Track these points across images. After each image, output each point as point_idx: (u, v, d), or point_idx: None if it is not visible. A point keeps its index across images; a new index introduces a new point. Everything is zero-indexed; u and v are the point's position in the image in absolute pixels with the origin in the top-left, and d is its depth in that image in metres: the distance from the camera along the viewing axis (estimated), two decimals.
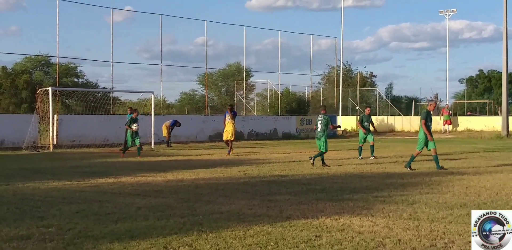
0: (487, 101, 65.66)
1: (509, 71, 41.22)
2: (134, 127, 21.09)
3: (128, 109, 26.20)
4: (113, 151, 24.14)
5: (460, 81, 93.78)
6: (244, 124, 36.12)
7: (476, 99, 73.90)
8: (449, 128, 43.94)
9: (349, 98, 50.25)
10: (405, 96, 73.28)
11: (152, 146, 27.64)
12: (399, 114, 49.48)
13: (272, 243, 6.80)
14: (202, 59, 42.75)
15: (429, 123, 15.86)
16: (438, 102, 62.94)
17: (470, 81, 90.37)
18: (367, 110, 21.56)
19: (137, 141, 21.20)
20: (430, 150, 15.77)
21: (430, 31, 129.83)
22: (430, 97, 69.03)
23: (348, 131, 46.16)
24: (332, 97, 49.06)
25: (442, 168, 15.54)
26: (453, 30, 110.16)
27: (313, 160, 16.70)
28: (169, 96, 72.37)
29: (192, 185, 12.44)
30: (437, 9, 52.54)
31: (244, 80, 45.45)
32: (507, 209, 9.11)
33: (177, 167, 16.78)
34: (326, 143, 17.14)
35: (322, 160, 16.95)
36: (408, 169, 15.48)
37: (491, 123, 43.52)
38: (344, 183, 12.61)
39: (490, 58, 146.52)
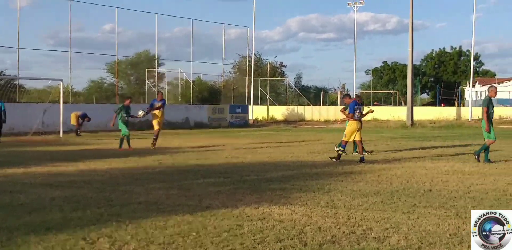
0: (392, 91, 67.88)
1: (413, 63, 42.67)
2: (140, 112, 19.76)
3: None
4: (46, 140, 23.18)
5: (366, 72, 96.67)
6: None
7: (381, 90, 76.20)
8: None
9: (259, 88, 50.62)
10: (313, 86, 74.77)
11: (61, 134, 26.86)
12: (308, 104, 50.36)
13: (194, 233, 6.75)
14: (110, 47, 41.97)
15: (492, 111, 14.73)
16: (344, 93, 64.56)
17: (375, 72, 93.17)
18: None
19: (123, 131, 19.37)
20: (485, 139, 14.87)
21: (337, 22, 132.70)
22: (341, 87, 70.65)
23: (259, 120, 46.54)
24: (243, 86, 49.28)
25: (489, 160, 14.62)
26: (359, 22, 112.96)
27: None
28: (76, 84, 70.42)
29: (106, 175, 12.18)
30: (346, 1, 53.46)
31: (156, 69, 44.88)
32: (419, 196, 9.45)
33: (88, 156, 16.39)
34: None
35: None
36: (487, 162, 14.49)
37: (397, 113, 45.07)
38: (261, 172, 12.69)
39: (394, 50, 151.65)
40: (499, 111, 44.81)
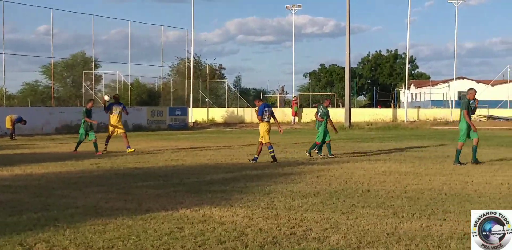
0: (330, 94, 68.71)
1: (350, 66, 43.35)
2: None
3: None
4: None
5: (304, 75, 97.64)
6: (94, 116, 35.02)
7: (319, 92, 77.08)
8: (295, 119, 45.50)
9: (199, 90, 50.48)
10: (253, 88, 74.95)
11: None
12: (248, 106, 50.46)
13: (134, 237, 6.67)
14: (45, 49, 40.91)
15: (470, 113, 15.08)
16: (284, 95, 65.04)
17: (314, 74, 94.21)
18: (327, 102, 18.89)
19: (92, 135, 18.94)
20: (472, 139, 15.10)
21: (275, 25, 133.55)
22: (280, 89, 71.08)
23: (199, 122, 46.39)
24: (182, 89, 49.02)
25: (477, 160, 14.97)
26: (297, 24, 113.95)
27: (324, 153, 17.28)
28: (10, 87, 68.52)
29: (43, 179, 11.90)
30: (284, 4, 53.88)
31: (93, 71, 44.18)
32: (357, 197, 9.61)
33: (24, 160, 15.98)
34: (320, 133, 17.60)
35: (320, 149, 17.58)
36: (458, 164, 14.63)
37: (335, 115, 45.30)
38: (201, 174, 12.65)
39: (332, 52, 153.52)
40: (433, 113, 46.06)
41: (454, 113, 44.44)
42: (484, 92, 50.50)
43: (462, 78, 65.21)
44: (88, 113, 19.08)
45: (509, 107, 45.87)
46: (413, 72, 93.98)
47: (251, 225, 7.32)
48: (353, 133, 33.21)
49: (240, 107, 51.28)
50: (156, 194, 9.89)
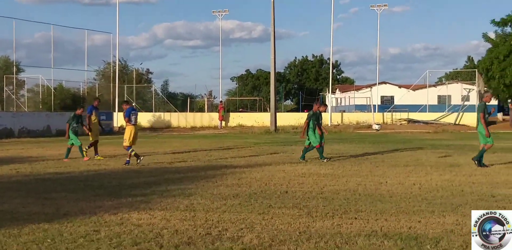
0: (256, 98, 69.28)
1: (276, 71, 43.93)
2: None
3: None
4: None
5: (232, 79, 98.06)
6: (14, 121, 34.33)
7: (246, 97, 77.59)
8: (221, 123, 45.71)
9: (125, 95, 49.97)
10: (180, 93, 74.76)
11: None
12: (175, 111, 50.34)
13: (49, 240, 6.70)
14: None
15: (487, 116, 15.03)
16: (212, 99, 65.15)
17: (241, 79, 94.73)
18: (318, 107, 17.80)
19: (71, 142, 18.07)
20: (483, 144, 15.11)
21: (203, 30, 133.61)
22: (208, 94, 71.17)
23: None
24: (108, 93, 48.41)
25: (484, 165, 14.80)
26: (225, 29, 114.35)
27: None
28: None
29: None
30: (211, 9, 54.03)
31: (14, 75, 43.11)
32: (275, 198, 9.87)
33: None
34: (310, 137, 17.30)
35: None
36: (480, 166, 14.63)
37: (261, 119, 46.12)
38: (122, 179, 12.65)
39: (260, 57, 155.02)
40: (356, 117, 47.17)
41: (376, 117, 45.68)
42: (405, 97, 52.16)
43: (385, 83, 67.11)
44: (77, 119, 18.44)
45: (429, 111, 47.45)
46: (338, 77, 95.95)
47: (168, 226, 7.45)
48: (278, 137, 33.64)
49: (167, 111, 51.07)
50: (75, 198, 9.87)
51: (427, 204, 9.22)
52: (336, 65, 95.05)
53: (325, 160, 16.60)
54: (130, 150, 16.11)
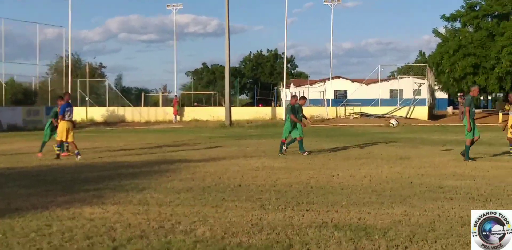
0: (212, 92, 69.16)
1: (231, 65, 43.97)
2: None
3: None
4: None
5: (187, 73, 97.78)
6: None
7: (201, 91, 77.43)
8: (176, 118, 45.54)
9: (78, 89, 49.32)
10: (135, 87, 74.21)
11: None
12: (129, 105, 49.91)
13: (0, 234, 6.65)
14: None
15: (473, 110, 15.03)
16: (167, 94, 64.77)
17: (196, 73, 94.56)
18: (297, 100, 17.84)
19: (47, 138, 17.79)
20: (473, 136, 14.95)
21: (158, 23, 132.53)
22: (163, 88, 70.73)
23: (77, 121, 45.26)
24: (61, 88, 47.69)
25: (470, 158, 14.74)
26: (180, 23, 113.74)
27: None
28: None
29: None
30: (165, 3, 53.43)
31: None
32: (228, 191, 9.96)
33: None
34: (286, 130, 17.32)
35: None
36: (470, 160, 14.56)
37: (216, 113, 46.09)
38: (75, 174, 12.56)
39: (215, 51, 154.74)
40: (310, 111, 47.54)
41: (329, 111, 46.14)
42: (358, 91, 52.77)
43: (339, 77, 67.73)
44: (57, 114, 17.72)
45: (381, 105, 48.12)
46: (293, 71, 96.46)
47: (121, 220, 7.47)
48: (233, 131, 33.74)
49: (121, 106, 50.59)
50: (27, 193, 9.78)
51: (377, 195, 9.43)
52: (290, 60, 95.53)
53: (305, 153, 16.67)
54: (58, 148, 16.29)
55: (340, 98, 57.56)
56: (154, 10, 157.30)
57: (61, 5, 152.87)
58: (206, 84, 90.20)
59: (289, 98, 61.97)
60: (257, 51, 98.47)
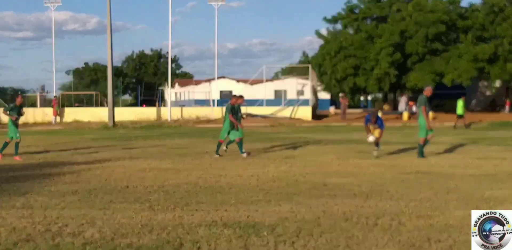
0: (94, 93, 67.61)
1: (114, 65, 43.13)
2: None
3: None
4: None
5: (67, 72, 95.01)
6: None
7: (83, 91, 75.54)
8: (56, 119, 44.13)
9: None
10: (10, 87, 71.23)
11: None
12: (5, 106, 47.82)
13: None
14: None
15: (429, 109, 15.81)
16: (45, 94, 62.65)
17: (77, 73, 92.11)
18: (237, 99, 17.45)
19: (18, 135, 16.48)
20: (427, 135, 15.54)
21: (34, 21, 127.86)
22: (40, 88, 68.29)
23: None
24: None
25: (423, 155, 15.38)
26: (58, 21, 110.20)
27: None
28: None
29: None
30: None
31: None
32: (116, 193, 9.83)
33: None
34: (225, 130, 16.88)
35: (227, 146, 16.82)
36: (422, 157, 15.24)
37: (99, 114, 45.02)
38: None
39: (96, 50, 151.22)
40: (196, 111, 47.59)
41: (215, 112, 46.35)
42: (243, 91, 53.37)
43: (224, 77, 68.14)
44: (18, 110, 16.92)
45: (266, 106, 48.90)
46: (177, 71, 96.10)
47: (4, 224, 7.22)
48: (117, 132, 33.13)
49: None
50: None
51: (264, 194, 9.64)
52: (175, 60, 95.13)
53: (244, 154, 16.37)
54: None
55: (226, 98, 57.88)
56: (29, 7, 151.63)
57: None
58: (88, 84, 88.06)
59: (173, 99, 61.55)
60: (139, 50, 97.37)
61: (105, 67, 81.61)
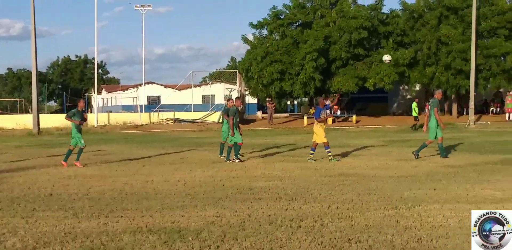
0: (17, 99, 65.89)
1: (39, 71, 42.17)
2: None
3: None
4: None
5: None
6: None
7: (6, 98, 73.52)
8: None
9: None
10: None
11: None
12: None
13: None
14: None
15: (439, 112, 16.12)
16: None
17: (0, 79, 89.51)
18: (233, 102, 16.97)
19: (82, 141, 16.04)
20: (437, 138, 15.94)
21: None
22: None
23: None
24: None
25: (446, 156, 16.01)
26: None
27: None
28: None
29: None
30: None
31: None
32: (39, 201, 9.68)
33: None
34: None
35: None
36: (416, 156, 15.92)
37: (23, 121, 43.91)
38: None
39: (20, 56, 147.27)
40: (123, 117, 47.06)
41: (143, 117, 45.97)
42: (171, 97, 53.20)
43: (151, 83, 67.66)
44: (81, 115, 16.64)
45: (194, 111, 48.85)
46: (104, 77, 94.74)
47: None
48: (42, 139, 32.40)
49: None
50: None
51: (191, 199, 9.72)
52: (101, 65, 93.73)
53: (236, 160, 15.94)
54: None
55: (154, 104, 57.56)
56: None
57: None
58: (11, 90, 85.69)
59: (100, 105, 60.67)
60: (65, 56, 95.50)
61: (29, 73, 79.85)
